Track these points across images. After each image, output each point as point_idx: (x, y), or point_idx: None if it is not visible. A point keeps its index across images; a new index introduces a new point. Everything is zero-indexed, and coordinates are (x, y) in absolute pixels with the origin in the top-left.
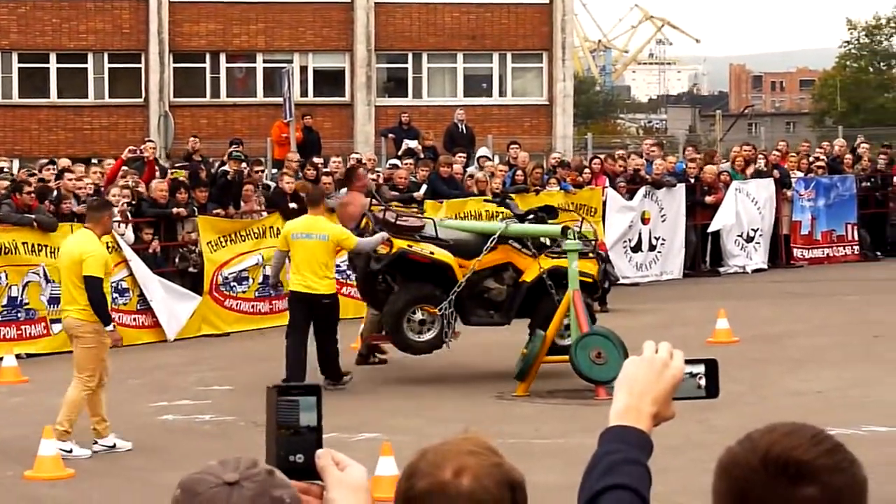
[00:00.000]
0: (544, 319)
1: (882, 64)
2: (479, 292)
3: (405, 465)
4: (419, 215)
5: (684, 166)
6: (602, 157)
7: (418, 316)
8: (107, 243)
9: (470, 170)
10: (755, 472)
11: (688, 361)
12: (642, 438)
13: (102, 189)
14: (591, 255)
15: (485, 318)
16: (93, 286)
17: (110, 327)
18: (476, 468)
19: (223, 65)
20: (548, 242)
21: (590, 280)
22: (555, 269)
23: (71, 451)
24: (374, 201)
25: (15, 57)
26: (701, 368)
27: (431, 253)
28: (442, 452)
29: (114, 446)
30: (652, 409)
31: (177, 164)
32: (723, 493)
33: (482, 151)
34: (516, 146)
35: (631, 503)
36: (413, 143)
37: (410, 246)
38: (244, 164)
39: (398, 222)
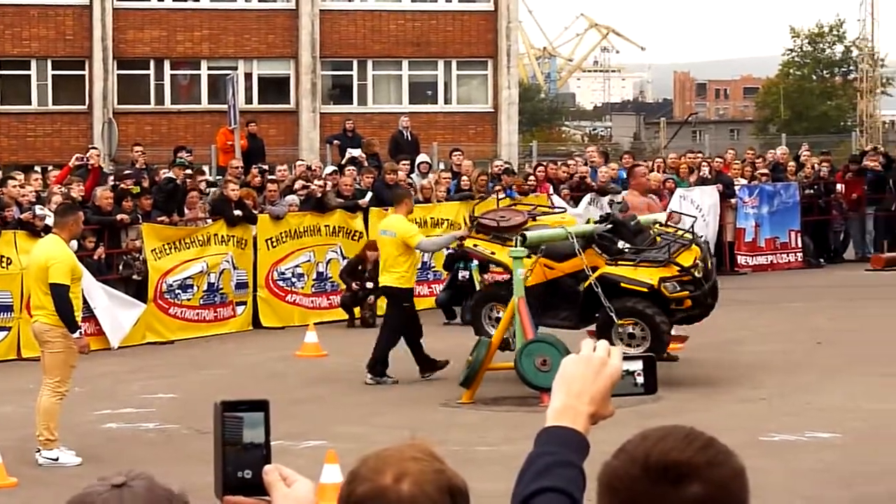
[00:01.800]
0: (601, 327)
1: (825, 72)
2: (562, 294)
3: (348, 471)
4: (520, 211)
5: (625, 174)
6: (546, 164)
7: (494, 314)
8: None
9: (412, 177)
10: (638, 482)
11: (625, 358)
12: (578, 439)
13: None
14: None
15: (556, 321)
16: (58, 293)
17: (76, 334)
18: (417, 474)
19: (167, 72)
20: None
21: (645, 290)
22: (603, 276)
23: (57, 459)
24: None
25: None
26: (639, 365)
27: (493, 253)
28: (383, 458)
29: (56, 459)
30: (590, 409)
31: (123, 173)
32: None
33: (422, 158)
34: (459, 153)
35: None
36: (356, 152)
37: (476, 245)
38: (188, 171)
39: (500, 224)
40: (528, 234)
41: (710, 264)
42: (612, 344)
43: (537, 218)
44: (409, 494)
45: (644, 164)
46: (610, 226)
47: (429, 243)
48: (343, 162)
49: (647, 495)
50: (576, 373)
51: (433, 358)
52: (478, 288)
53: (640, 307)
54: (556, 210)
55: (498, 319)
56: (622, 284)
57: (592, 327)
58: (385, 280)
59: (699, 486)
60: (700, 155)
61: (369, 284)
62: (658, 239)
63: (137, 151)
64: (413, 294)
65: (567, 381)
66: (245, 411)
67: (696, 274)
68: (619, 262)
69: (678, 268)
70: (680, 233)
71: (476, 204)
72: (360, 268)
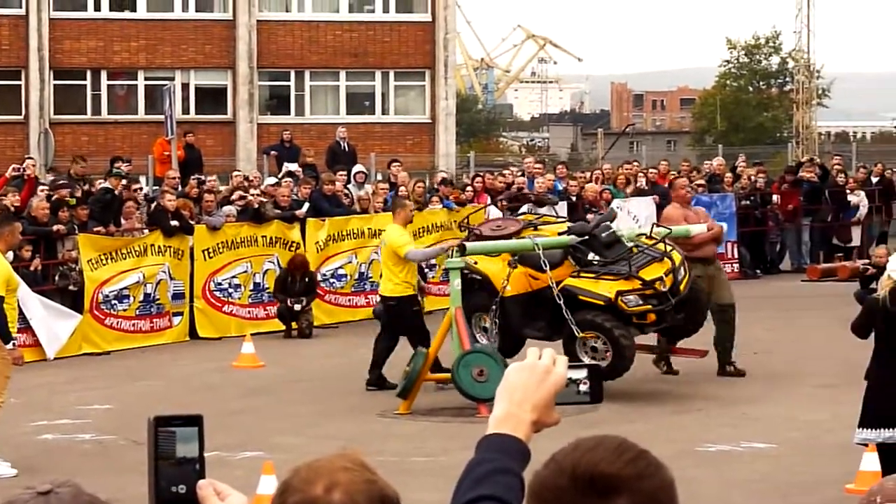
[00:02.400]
0: (566, 340)
1: (761, 83)
2: (545, 305)
3: (280, 482)
4: (516, 220)
5: (560, 185)
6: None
7: (481, 323)
8: None
9: (349, 187)
10: (565, 493)
11: (571, 367)
12: (518, 447)
13: None
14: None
15: (533, 331)
16: None
17: (10, 345)
18: (348, 484)
19: (104, 82)
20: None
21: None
22: (565, 288)
23: None
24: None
25: None
26: (584, 374)
27: (475, 262)
28: (315, 469)
29: None
30: (532, 417)
31: (57, 183)
32: None
33: (358, 168)
34: (398, 164)
35: None
36: (293, 167)
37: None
38: (125, 181)
39: (496, 233)
40: (469, 244)
41: (680, 278)
42: (577, 357)
43: (539, 228)
44: None
45: (683, 176)
46: (585, 237)
47: (418, 254)
48: (280, 176)
49: None
50: (519, 381)
51: (385, 378)
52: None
53: (599, 320)
54: (559, 220)
55: (485, 328)
56: (580, 297)
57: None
58: (383, 289)
59: (626, 499)
60: (637, 166)
61: (302, 298)
62: (635, 251)
63: (81, 164)
64: (415, 301)
65: (510, 388)
66: (178, 426)
67: (660, 288)
68: (582, 275)
69: (640, 281)
70: (663, 247)
71: (471, 213)
72: (289, 281)
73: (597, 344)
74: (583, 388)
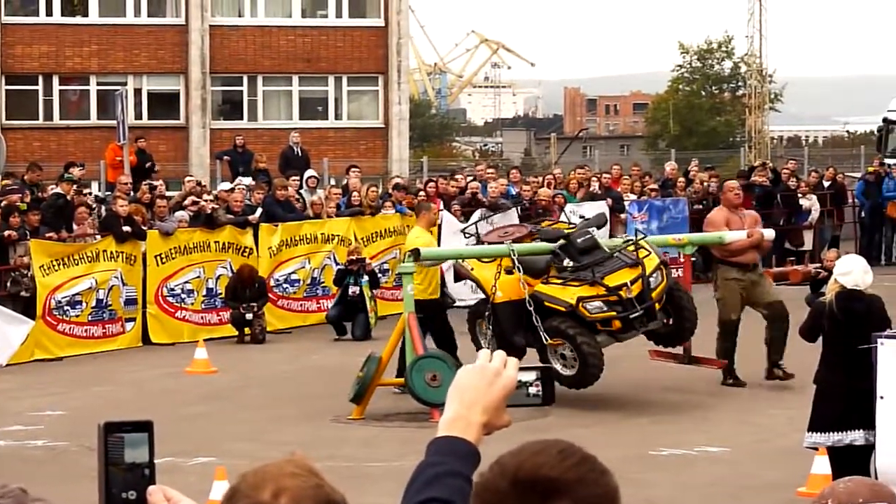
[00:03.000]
0: (540, 348)
1: (714, 88)
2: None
3: (227, 488)
4: (523, 225)
5: (513, 190)
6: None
7: (482, 329)
8: None
9: (301, 192)
10: (507, 496)
11: (522, 369)
12: (468, 449)
13: None
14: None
15: (520, 338)
16: None
17: None
18: (295, 490)
19: (56, 87)
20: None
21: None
22: (534, 294)
23: None
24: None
25: None
26: (535, 376)
27: (471, 269)
28: (262, 474)
29: None
30: (482, 419)
31: (7, 188)
32: None
33: (310, 173)
34: (356, 170)
35: None
36: (247, 180)
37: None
38: (76, 187)
39: (503, 238)
40: (424, 250)
41: (654, 284)
42: (549, 364)
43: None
44: None
45: (734, 182)
46: (562, 242)
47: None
48: (233, 186)
49: None
50: (469, 383)
51: None
52: (368, 304)
53: (564, 327)
54: (571, 226)
55: (484, 334)
56: (545, 303)
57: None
58: None
59: (567, 503)
60: (588, 170)
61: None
62: (613, 256)
63: (36, 172)
64: (439, 304)
65: (460, 391)
66: (128, 432)
67: (624, 294)
68: (551, 281)
69: (604, 288)
70: (643, 253)
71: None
72: (239, 288)
73: (566, 351)
74: (533, 390)
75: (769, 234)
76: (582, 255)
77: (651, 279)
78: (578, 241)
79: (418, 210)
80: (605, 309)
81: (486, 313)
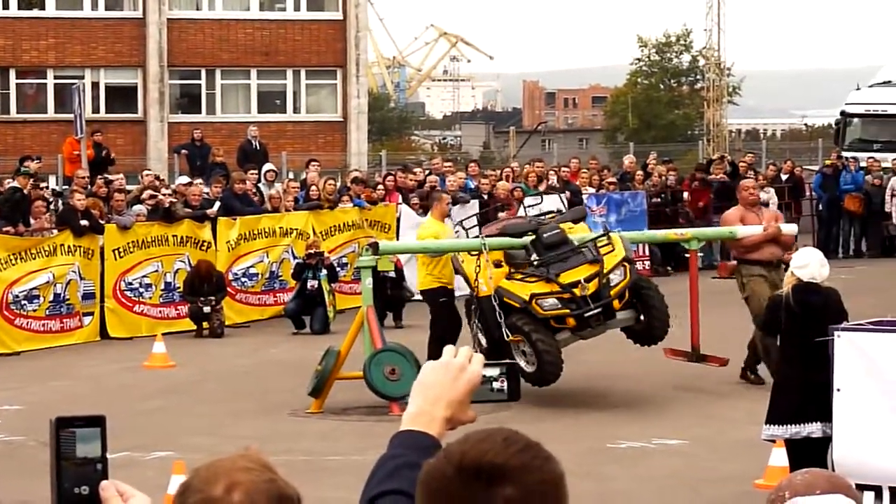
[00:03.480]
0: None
1: (672, 81)
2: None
3: (180, 483)
4: (525, 218)
5: (472, 184)
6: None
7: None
8: None
9: (260, 186)
10: (451, 482)
11: (487, 365)
12: (430, 443)
13: None
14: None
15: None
16: None
17: None
18: (248, 484)
19: (13, 80)
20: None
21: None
22: (497, 289)
23: None
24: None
25: None
26: (499, 372)
27: (462, 261)
28: (214, 469)
29: None
30: (446, 413)
31: None
32: None
33: (268, 167)
34: (316, 164)
35: None
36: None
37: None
38: (33, 181)
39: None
40: (382, 243)
41: (615, 282)
42: (514, 360)
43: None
44: None
45: (751, 180)
46: (532, 237)
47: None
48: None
49: (459, 495)
50: (434, 378)
51: None
52: (326, 298)
53: (521, 324)
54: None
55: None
56: (504, 299)
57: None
58: (418, 283)
59: (512, 489)
60: (545, 164)
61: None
62: (580, 252)
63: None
64: (446, 291)
65: (424, 386)
66: (80, 427)
67: (578, 292)
68: (514, 276)
69: (558, 285)
70: (606, 249)
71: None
72: (197, 283)
73: (526, 348)
74: (498, 385)
75: (789, 228)
76: (547, 251)
77: (612, 276)
78: (545, 235)
79: (431, 201)
80: (559, 306)
81: (472, 306)
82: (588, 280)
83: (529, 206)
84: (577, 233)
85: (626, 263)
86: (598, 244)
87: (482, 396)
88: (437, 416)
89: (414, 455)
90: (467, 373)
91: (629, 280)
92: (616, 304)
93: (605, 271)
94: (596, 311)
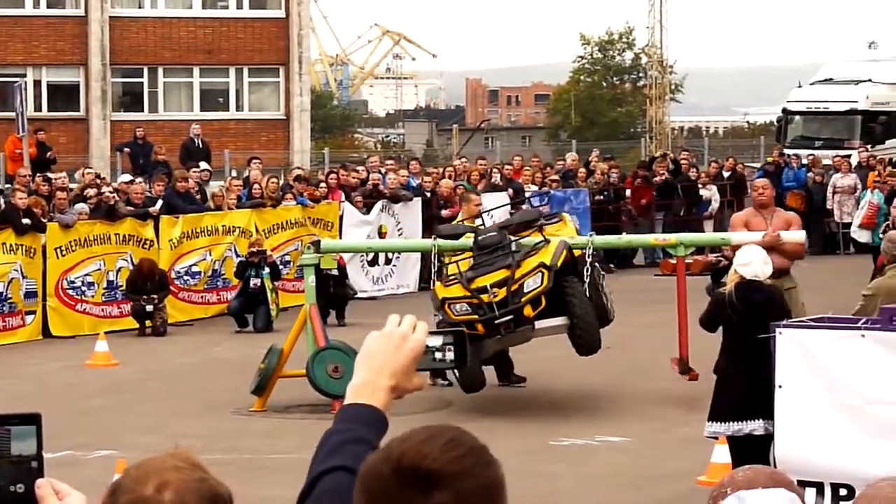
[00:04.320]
0: None
1: (615, 78)
2: None
3: (111, 482)
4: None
5: (414, 182)
6: (337, 170)
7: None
8: None
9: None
10: (387, 483)
11: (432, 333)
12: (375, 416)
13: None
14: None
15: None
16: None
17: None
18: (178, 483)
19: None
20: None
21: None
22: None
23: None
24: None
25: None
26: (443, 340)
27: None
28: (145, 468)
29: None
30: (390, 383)
31: None
32: None
33: (202, 166)
34: (258, 161)
35: (349, 485)
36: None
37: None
38: None
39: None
40: (324, 242)
41: (522, 289)
42: (461, 328)
43: (544, 228)
44: None
45: (762, 180)
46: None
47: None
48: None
49: (393, 498)
50: (377, 348)
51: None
52: (269, 296)
53: (444, 328)
54: (553, 220)
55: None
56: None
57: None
58: None
59: (447, 495)
60: (488, 161)
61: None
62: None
63: None
64: None
65: (367, 356)
66: (14, 425)
67: (486, 298)
68: (448, 279)
69: (468, 290)
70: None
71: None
72: (139, 281)
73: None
74: (440, 355)
75: (792, 235)
76: (481, 253)
77: (528, 281)
78: (480, 237)
79: (460, 201)
80: (469, 311)
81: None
82: (496, 286)
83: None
84: (565, 234)
85: (543, 269)
86: (538, 248)
87: (428, 365)
88: (381, 386)
89: (359, 429)
90: (410, 341)
91: (545, 286)
92: (529, 310)
93: (514, 277)
94: (506, 318)
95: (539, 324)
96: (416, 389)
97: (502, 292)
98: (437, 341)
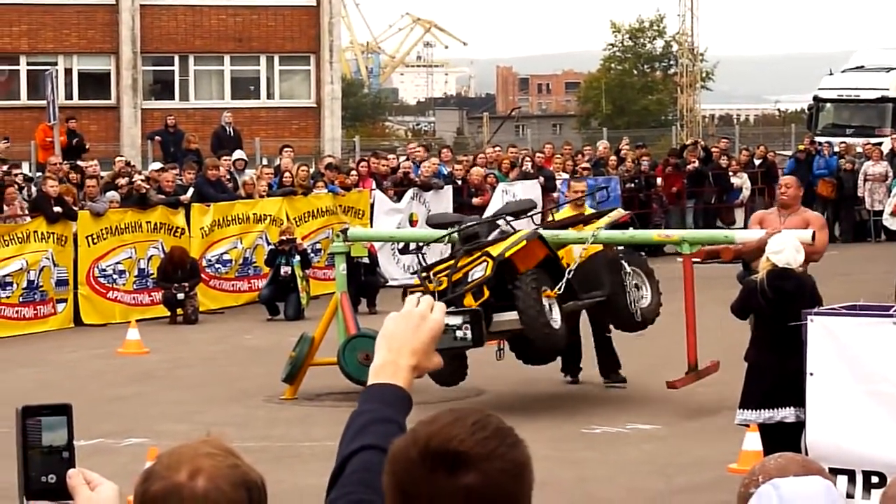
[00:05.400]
0: None
1: (645, 66)
2: None
3: (143, 469)
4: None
5: (445, 170)
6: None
7: None
8: None
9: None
10: (415, 465)
11: (450, 313)
12: (398, 394)
13: None
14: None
15: None
16: None
17: None
18: (211, 469)
19: None
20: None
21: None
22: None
23: None
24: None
25: None
26: (461, 319)
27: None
28: (177, 455)
29: None
30: (411, 362)
31: None
32: (389, 489)
33: (237, 155)
34: (290, 150)
35: (379, 463)
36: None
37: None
38: (5, 168)
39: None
40: (351, 230)
41: (466, 278)
42: (478, 308)
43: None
44: (203, 490)
45: (788, 177)
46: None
47: None
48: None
49: (421, 480)
50: (395, 328)
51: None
52: (300, 284)
53: None
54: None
55: None
56: None
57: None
58: None
59: (474, 476)
60: (517, 149)
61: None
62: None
63: None
64: None
65: (388, 336)
66: (46, 415)
67: (432, 287)
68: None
69: (421, 279)
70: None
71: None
72: (170, 269)
73: None
74: (461, 333)
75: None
76: (463, 244)
77: (474, 271)
78: (463, 228)
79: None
80: None
81: None
82: (438, 273)
83: (503, 192)
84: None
85: (488, 259)
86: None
87: (446, 344)
88: (403, 365)
89: (384, 409)
90: (429, 321)
91: (486, 276)
92: (470, 300)
93: (458, 266)
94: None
95: (496, 317)
96: (436, 368)
97: (446, 282)
98: (456, 320)
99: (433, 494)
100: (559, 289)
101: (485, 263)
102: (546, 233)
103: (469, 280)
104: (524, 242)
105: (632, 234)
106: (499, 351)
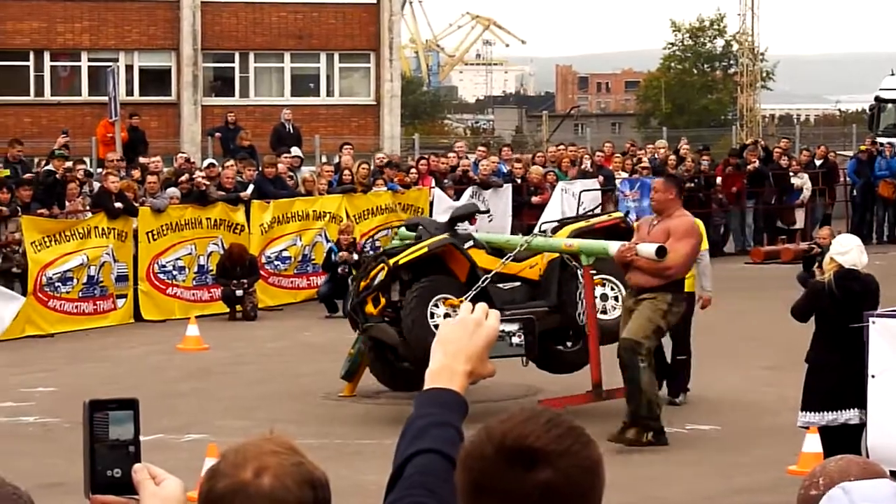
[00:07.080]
0: None
1: (705, 66)
2: None
3: (208, 467)
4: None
5: (504, 168)
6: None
7: None
8: None
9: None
10: (490, 462)
11: (504, 321)
12: (454, 399)
13: None
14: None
15: None
16: None
17: None
18: (276, 467)
19: (47, 63)
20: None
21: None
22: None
23: None
24: None
25: None
26: (516, 327)
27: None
28: (243, 452)
29: None
30: (466, 367)
31: None
32: (463, 486)
33: (294, 152)
34: (349, 147)
35: (439, 467)
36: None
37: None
38: (68, 164)
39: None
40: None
41: (364, 284)
42: (532, 317)
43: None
44: (269, 488)
45: (657, 179)
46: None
47: None
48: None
49: (497, 476)
50: (451, 334)
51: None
52: None
53: None
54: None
55: None
56: None
57: None
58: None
59: (550, 473)
60: (576, 147)
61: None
62: None
63: (15, 149)
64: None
65: (443, 342)
66: (113, 409)
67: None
68: None
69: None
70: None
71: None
72: (230, 265)
73: None
74: (516, 340)
75: (645, 249)
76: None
77: (377, 276)
78: (420, 231)
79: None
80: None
81: None
82: (362, 277)
83: (563, 190)
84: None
85: (385, 265)
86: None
87: (500, 351)
88: (458, 371)
89: (441, 413)
90: (484, 327)
91: (380, 282)
92: (370, 307)
93: (368, 273)
94: (354, 311)
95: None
96: (490, 375)
97: (363, 284)
98: (512, 327)
99: (508, 490)
100: (466, 298)
101: (383, 271)
102: (482, 237)
103: (374, 286)
104: (425, 249)
105: (544, 241)
106: (523, 357)
